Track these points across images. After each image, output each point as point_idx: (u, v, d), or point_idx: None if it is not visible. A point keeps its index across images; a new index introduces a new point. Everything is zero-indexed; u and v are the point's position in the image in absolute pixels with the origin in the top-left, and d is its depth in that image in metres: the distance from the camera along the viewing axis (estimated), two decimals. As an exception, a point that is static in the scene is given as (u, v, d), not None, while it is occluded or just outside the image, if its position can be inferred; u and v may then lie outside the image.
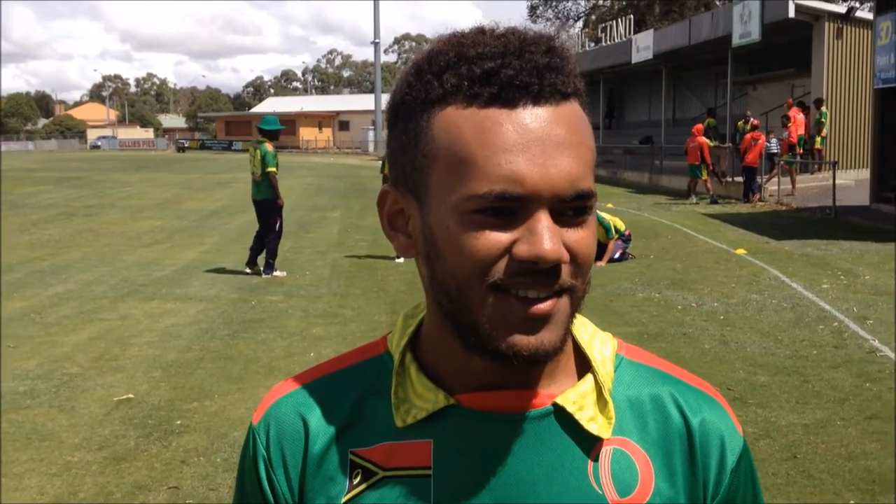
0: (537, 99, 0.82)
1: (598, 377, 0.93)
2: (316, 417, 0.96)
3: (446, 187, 0.83)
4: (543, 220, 0.81)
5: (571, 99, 0.85)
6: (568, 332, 0.87)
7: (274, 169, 11.49)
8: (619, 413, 0.94)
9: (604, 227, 12.52)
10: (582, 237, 0.84)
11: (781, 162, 21.47)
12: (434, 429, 0.92)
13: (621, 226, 12.86)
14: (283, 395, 1.00)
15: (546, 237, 0.80)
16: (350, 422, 0.96)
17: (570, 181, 0.81)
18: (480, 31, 0.87)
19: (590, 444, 0.91)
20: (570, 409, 0.91)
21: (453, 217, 0.83)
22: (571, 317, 0.87)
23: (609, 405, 0.92)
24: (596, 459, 0.91)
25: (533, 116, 0.82)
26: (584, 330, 0.97)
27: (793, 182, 21.29)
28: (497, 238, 0.81)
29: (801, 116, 22.16)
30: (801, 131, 22.03)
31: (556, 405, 0.92)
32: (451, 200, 0.83)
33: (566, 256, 0.82)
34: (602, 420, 0.92)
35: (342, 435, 0.95)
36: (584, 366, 0.95)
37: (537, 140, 0.81)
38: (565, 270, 0.83)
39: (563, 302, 0.84)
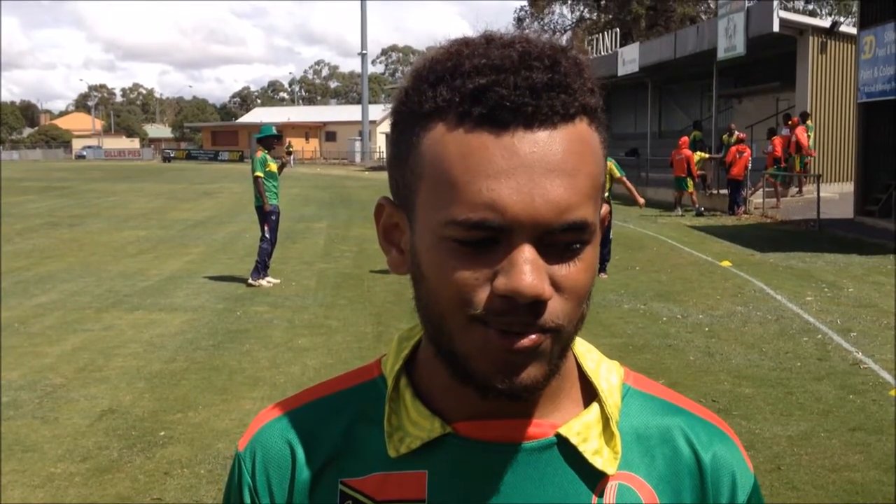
0: (531, 121, 0.75)
1: (605, 407, 0.89)
2: (304, 444, 0.92)
3: (430, 209, 0.78)
4: (525, 253, 0.75)
5: (577, 119, 0.78)
6: (555, 369, 0.82)
7: (260, 174, 11.69)
8: (626, 446, 0.89)
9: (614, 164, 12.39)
10: (573, 272, 0.78)
11: (766, 175, 21.60)
12: (429, 459, 0.87)
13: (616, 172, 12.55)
14: (269, 420, 0.95)
15: (526, 270, 0.74)
16: (340, 450, 0.91)
17: (558, 211, 0.75)
18: (487, 40, 0.80)
19: (594, 479, 0.86)
20: (573, 440, 0.86)
21: (434, 242, 0.78)
22: (559, 355, 0.81)
23: (616, 438, 0.88)
24: (601, 495, 0.86)
25: (524, 141, 0.75)
26: (591, 357, 0.93)
27: (777, 195, 21.42)
28: (477, 269, 0.76)
29: (803, 135, 21.87)
30: (807, 150, 21.76)
31: (559, 436, 0.87)
32: (433, 224, 0.78)
33: (548, 293, 0.76)
34: (608, 453, 0.87)
35: (332, 463, 0.90)
36: (589, 394, 0.91)
37: (525, 166, 0.74)
38: (550, 308, 0.77)
39: (548, 342, 0.78)
